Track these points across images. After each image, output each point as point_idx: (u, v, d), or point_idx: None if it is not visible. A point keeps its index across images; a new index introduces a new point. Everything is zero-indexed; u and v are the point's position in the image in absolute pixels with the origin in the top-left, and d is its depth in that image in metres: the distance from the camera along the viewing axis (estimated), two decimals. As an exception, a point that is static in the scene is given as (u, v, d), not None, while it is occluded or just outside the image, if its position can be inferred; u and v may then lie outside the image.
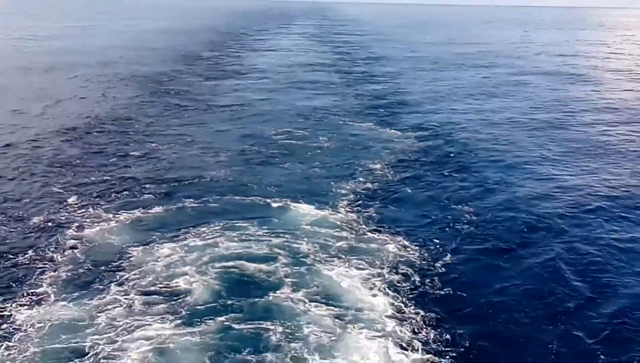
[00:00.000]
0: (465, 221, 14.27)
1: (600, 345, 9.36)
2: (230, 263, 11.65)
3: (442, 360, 8.98)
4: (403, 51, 61.90)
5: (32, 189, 16.09)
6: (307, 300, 10.37)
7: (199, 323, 9.64)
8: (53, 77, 36.80)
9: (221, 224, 13.61)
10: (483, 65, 49.08)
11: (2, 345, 9.07)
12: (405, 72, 43.46)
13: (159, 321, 9.72)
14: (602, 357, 9.10)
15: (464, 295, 10.95)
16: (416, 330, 9.68)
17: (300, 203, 15.16)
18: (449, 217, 14.49)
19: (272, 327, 9.49)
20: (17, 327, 9.53)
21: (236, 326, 9.60)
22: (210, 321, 9.70)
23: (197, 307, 10.15)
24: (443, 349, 9.23)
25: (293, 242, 12.72)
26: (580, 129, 25.05)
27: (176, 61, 46.60)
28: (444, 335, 9.57)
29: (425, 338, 9.47)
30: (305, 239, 12.87)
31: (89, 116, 25.18)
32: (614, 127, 25.42)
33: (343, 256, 12.15)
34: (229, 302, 10.27)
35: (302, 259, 11.98)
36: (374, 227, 13.73)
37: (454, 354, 9.12)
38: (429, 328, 9.73)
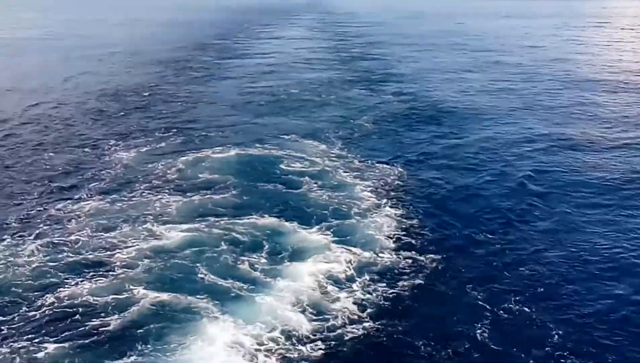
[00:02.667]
0: (431, 155, 19.29)
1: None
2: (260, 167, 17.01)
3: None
4: (395, 37, 66.58)
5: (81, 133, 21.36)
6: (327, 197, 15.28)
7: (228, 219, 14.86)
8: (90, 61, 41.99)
9: (247, 149, 19.04)
10: (468, 49, 53.73)
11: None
12: (394, 53, 48.23)
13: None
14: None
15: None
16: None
17: (306, 138, 20.33)
18: (420, 152, 19.40)
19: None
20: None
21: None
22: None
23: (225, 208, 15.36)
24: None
25: (303, 161, 17.97)
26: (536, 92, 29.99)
27: (190, 47, 51.50)
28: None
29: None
30: (309, 161, 17.96)
31: (126, 86, 30.51)
32: (566, 89, 30.32)
33: (335, 172, 17.18)
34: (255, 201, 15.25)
35: (309, 170, 17.24)
36: (362, 157, 18.68)
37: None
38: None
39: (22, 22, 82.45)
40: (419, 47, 52.67)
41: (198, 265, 11.34)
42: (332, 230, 12.85)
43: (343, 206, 14.26)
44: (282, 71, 36.46)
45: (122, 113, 24.68)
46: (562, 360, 8.91)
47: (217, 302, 10.07)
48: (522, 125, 23.22)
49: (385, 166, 17.72)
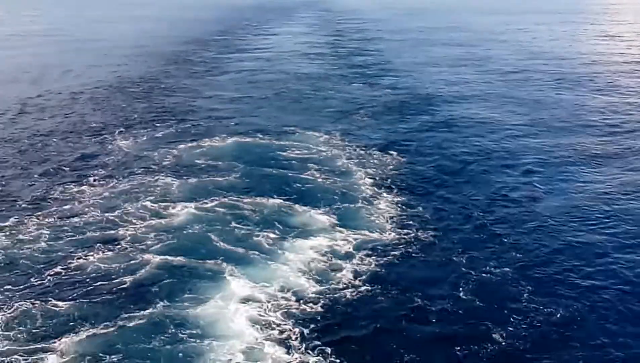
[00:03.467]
0: (423, 143, 20.32)
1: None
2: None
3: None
4: (392, 33, 67.41)
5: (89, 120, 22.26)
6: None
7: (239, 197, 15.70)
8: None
9: (248, 138, 20.06)
10: (461, 44, 54.54)
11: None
12: (390, 49, 49.04)
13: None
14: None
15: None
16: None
17: (306, 129, 21.33)
18: (413, 140, 20.48)
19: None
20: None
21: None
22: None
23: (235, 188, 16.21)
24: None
25: (304, 148, 18.95)
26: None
27: (190, 43, 52.28)
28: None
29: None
30: (310, 148, 18.95)
31: (129, 78, 31.38)
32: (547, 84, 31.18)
33: (336, 158, 18.21)
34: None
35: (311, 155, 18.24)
36: (360, 145, 19.66)
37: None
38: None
39: (26, 17, 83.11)
40: (414, 42, 53.57)
41: (209, 235, 12.39)
42: (334, 210, 13.91)
43: (344, 189, 15.36)
44: (281, 66, 37.26)
45: (125, 104, 25.62)
46: (532, 309, 10.07)
47: (231, 265, 11.15)
48: (508, 115, 24.20)
49: (382, 153, 18.75)
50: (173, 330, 9.23)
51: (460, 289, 10.62)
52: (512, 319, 9.76)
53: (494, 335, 9.31)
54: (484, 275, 11.15)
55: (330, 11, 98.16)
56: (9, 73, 33.76)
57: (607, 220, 13.81)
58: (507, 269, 11.38)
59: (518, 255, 12.04)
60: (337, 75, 34.07)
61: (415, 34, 61.45)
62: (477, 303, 10.22)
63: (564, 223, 13.68)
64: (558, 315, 9.94)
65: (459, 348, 9.02)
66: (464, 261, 11.64)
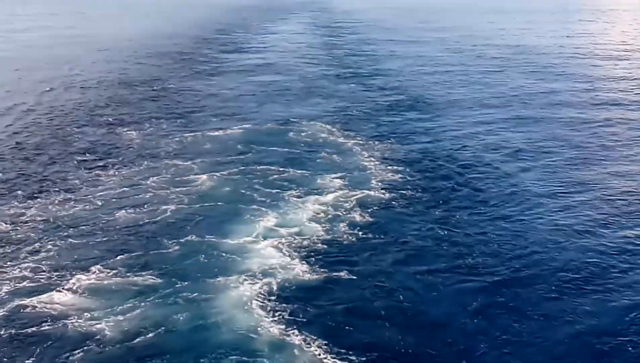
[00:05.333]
0: (412, 133, 23.13)
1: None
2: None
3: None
4: (385, 33, 70.30)
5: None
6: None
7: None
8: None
9: (255, 127, 22.79)
10: (452, 44, 57.53)
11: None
12: (384, 49, 51.91)
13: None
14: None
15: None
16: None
17: (308, 121, 23.96)
18: (403, 131, 23.13)
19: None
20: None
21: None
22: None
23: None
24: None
25: (307, 134, 21.92)
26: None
27: (192, 40, 54.93)
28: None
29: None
30: (313, 134, 21.80)
31: (132, 76, 33.94)
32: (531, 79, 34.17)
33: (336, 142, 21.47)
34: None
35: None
36: (358, 134, 22.41)
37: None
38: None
39: (33, 18, 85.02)
40: (406, 43, 56.47)
41: (232, 194, 15.49)
42: (340, 176, 16.89)
43: (348, 162, 18.47)
44: (281, 66, 39.78)
45: (135, 100, 27.90)
46: (494, 250, 12.81)
47: (254, 214, 14.14)
48: (490, 111, 27.08)
49: (377, 141, 21.39)
50: (204, 257, 12.14)
51: (441, 232, 13.59)
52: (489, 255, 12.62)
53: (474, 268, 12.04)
54: (460, 224, 14.13)
55: (328, 10, 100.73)
56: (24, 67, 36.41)
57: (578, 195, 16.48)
58: (477, 219, 14.35)
59: (492, 208, 15.10)
60: (334, 75, 36.86)
61: (406, 35, 64.27)
62: (458, 242, 13.11)
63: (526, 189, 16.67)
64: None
65: (444, 279, 11.52)
66: (443, 214, 14.62)
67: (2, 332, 9.60)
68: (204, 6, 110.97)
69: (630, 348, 9.47)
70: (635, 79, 34.62)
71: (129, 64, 38.99)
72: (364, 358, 9.04)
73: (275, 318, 10.00)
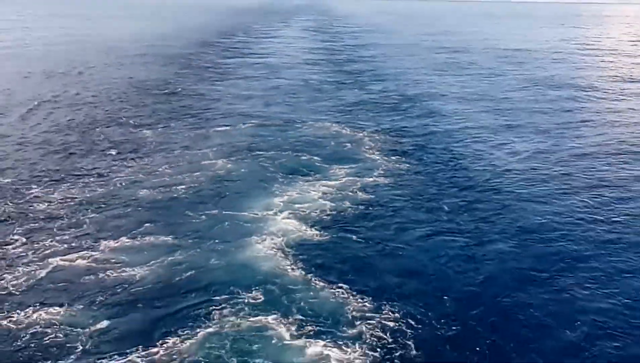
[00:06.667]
0: (408, 128, 25.35)
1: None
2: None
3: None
4: (384, 39, 72.43)
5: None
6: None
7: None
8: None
9: (263, 122, 24.81)
10: (448, 50, 59.56)
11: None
12: (381, 55, 53.91)
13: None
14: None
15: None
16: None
17: (311, 120, 25.65)
18: (399, 127, 25.01)
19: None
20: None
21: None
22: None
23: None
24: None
25: (313, 127, 24.22)
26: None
27: (196, 45, 56.98)
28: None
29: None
30: (318, 128, 23.75)
31: (141, 80, 35.88)
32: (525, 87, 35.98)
33: (340, 135, 23.40)
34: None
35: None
36: (359, 129, 24.37)
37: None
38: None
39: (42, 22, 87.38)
40: (403, 48, 58.50)
41: (248, 177, 17.23)
42: (345, 165, 18.60)
43: (353, 153, 20.22)
44: (284, 71, 41.78)
45: (148, 101, 29.35)
46: (478, 217, 14.48)
47: (270, 192, 15.89)
48: (477, 111, 28.94)
49: (380, 133, 23.32)
50: (226, 224, 13.78)
51: (434, 205, 15.44)
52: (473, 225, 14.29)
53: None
54: (449, 199, 15.95)
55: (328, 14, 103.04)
56: (38, 70, 38.31)
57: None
58: (470, 197, 16.15)
59: (479, 186, 16.97)
60: (334, 80, 38.71)
61: (403, 40, 66.32)
62: (446, 212, 14.93)
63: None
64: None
65: (434, 240, 13.30)
66: (436, 195, 16.31)
67: (49, 283, 11.10)
68: (205, 9, 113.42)
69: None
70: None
71: (139, 68, 40.86)
72: (369, 296, 10.75)
73: (294, 266, 11.69)
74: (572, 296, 11.05)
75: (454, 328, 9.85)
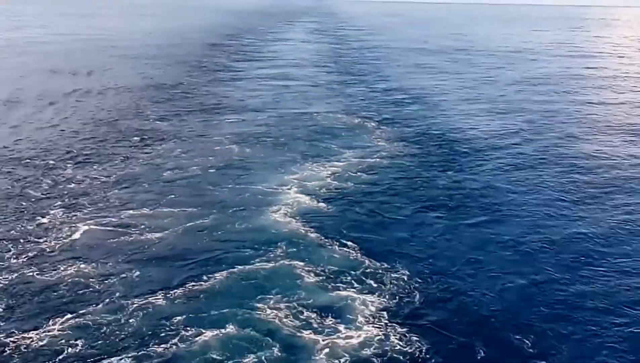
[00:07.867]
0: (410, 121, 27.38)
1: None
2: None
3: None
4: (388, 42, 74.08)
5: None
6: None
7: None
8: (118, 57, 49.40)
9: (279, 112, 26.88)
10: (447, 52, 61.12)
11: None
12: (385, 57, 55.56)
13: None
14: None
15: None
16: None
17: (327, 113, 27.28)
18: (403, 119, 26.62)
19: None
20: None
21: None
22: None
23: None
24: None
25: (325, 118, 26.08)
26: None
27: (203, 47, 58.90)
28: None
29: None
30: (329, 119, 25.76)
31: (149, 80, 37.84)
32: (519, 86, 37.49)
33: (350, 125, 25.22)
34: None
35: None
36: (366, 120, 25.88)
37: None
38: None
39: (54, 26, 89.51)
40: (407, 50, 60.15)
41: (260, 160, 18.91)
42: (350, 150, 20.41)
43: (360, 140, 22.15)
44: (294, 71, 43.57)
45: (164, 97, 30.96)
46: (468, 194, 16.09)
47: (283, 170, 17.73)
48: (475, 108, 30.52)
49: (385, 124, 25.12)
50: (245, 196, 15.46)
51: (430, 183, 17.23)
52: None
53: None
54: (446, 179, 17.66)
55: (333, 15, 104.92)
56: (59, 69, 40.32)
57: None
58: (468, 180, 17.67)
59: (471, 168, 18.61)
60: (340, 81, 40.37)
61: (408, 43, 67.82)
62: (442, 189, 16.60)
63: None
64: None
65: (429, 212, 14.86)
66: (431, 176, 17.91)
67: (86, 241, 12.69)
68: (214, 11, 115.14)
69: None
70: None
71: (152, 70, 42.66)
72: (373, 251, 12.48)
73: (308, 230, 13.35)
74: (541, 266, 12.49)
75: (445, 283, 11.43)
